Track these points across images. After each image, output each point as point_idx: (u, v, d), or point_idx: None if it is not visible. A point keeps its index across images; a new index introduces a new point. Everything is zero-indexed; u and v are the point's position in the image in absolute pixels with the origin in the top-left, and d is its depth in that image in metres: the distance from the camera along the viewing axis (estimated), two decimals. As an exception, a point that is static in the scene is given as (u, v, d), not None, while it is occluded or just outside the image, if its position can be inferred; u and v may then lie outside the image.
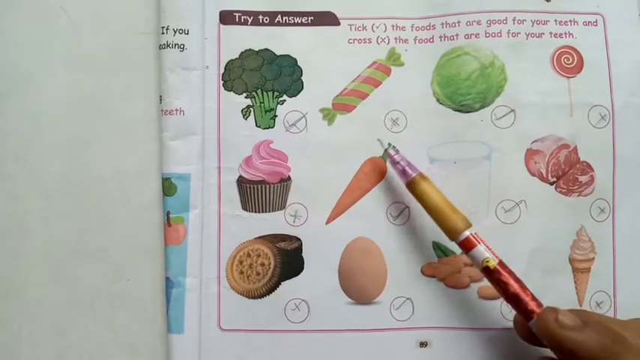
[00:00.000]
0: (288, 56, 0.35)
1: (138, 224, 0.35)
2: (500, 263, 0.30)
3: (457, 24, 0.35)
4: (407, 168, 0.32)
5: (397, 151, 0.33)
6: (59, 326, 0.35)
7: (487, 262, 0.30)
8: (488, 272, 0.30)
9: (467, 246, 0.31)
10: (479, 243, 0.30)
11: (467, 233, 0.31)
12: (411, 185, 0.32)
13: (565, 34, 0.36)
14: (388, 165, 0.34)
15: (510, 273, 0.30)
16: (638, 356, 0.26)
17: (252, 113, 0.35)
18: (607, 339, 0.27)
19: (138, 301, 0.35)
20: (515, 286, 0.30)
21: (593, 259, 0.35)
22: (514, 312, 0.30)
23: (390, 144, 0.34)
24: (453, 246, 0.34)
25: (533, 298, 0.30)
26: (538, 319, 0.29)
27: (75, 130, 0.36)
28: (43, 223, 0.35)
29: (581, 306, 0.34)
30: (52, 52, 0.36)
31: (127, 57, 0.36)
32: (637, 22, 0.36)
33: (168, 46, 0.34)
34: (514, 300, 0.30)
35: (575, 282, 0.35)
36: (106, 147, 0.35)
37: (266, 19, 0.36)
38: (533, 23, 0.35)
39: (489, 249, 0.30)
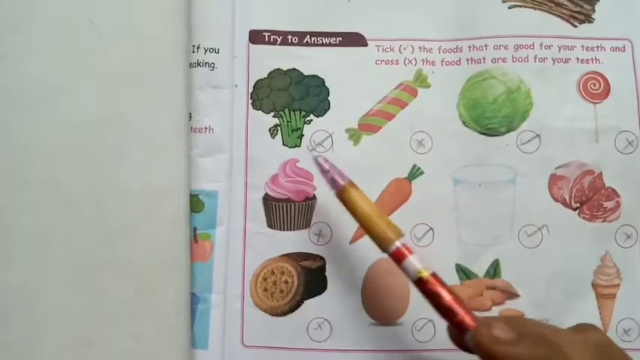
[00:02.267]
0: (315, 76, 0.36)
1: (163, 239, 0.35)
2: (434, 274, 0.28)
3: (484, 47, 0.36)
4: (336, 177, 0.30)
5: (326, 160, 0.31)
6: (83, 337, 0.35)
7: (420, 273, 0.28)
8: (421, 283, 0.28)
9: (397, 257, 0.29)
10: (410, 253, 0.28)
11: (397, 244, 0.29)
12: (341, 194, 0.30)
13: (592, 59, 0.36)
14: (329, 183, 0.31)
15: (443, 285, 0.28)
16: None
17: (279, 132, 0.35)
18: (541, 350, 0.26)
19: (162, 315, 0.35)
20: (448, 298, 0.28)
21: (619, 285, 0.34)
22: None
23: (319, 154, 0.33)
24: (476, 269, 0.35)
25: (468, 312, 0.28)
26: (473, 335, 0.27)
27: (102, 143, 0.36)
28: (68, 235, 0.36)
29: (606, 332, 0.34)
30: (81, 65, 0.37)
31: (156, 72, 0.36)
32: (665, 48, 0.36)
33: (198, 64, 0.35)
34: (447, 312, 0.28)
35: (599, 307, 0.35)
36: (132, 161, 0.36)
37: (295, 39, 0.36)
38: (560, 49, 0.36)
39: (420, 260, 0.29)
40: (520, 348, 0.26)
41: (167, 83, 0.36)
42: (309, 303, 0.34)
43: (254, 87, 0.36)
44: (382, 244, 0.29)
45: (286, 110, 0.35)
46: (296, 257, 0.35)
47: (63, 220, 0.36)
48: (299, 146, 0.35)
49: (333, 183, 0.30)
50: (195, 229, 0.34)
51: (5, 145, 0.36)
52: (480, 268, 0.35)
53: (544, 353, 0.26)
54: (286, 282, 0.35)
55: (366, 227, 0.30)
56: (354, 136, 0.35)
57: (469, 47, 0.36)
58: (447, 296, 0.28)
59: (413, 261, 0.28)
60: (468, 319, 0.28)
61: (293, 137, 0.35)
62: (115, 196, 0.36)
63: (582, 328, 0.29)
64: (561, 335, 0.27)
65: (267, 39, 0.36)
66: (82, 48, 0.37)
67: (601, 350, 0.27)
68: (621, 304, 0.34)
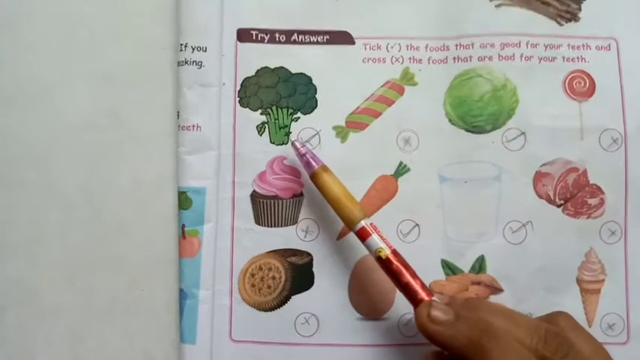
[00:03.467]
0: (303, 74, 0.36)
1: (153, 235, 0.36)
2: (393, 253, 0.31)
3: (471, 46, 0.36)
4: (311, 160, 0.33)
5: (303, 145, 0.33)
6: (75, 333, 0.35)
7: (380, 251, 0.31)
8: (382, 262, 0.31)
9: (362, 235, 0.31)
10: (373, 233, 0.31)
11: (362, 223, 0.31)
12: (314, 176, 0.33)
13: (577, 58, 0.36)
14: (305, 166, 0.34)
15: (403, 263, 0.31)
16: (506, 345, 0.26)
17: (266, 129, 0.36)
18: (475, 332, 0.27)
19: (152, 311, 0.35)
20: (406, 276, 0.30)
21: (604, 280, 0.35)
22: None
23: (296, 139, 0.35)
24: (462, 264, 0.35)
25: (424, 288, 0.30)
26: (415, 314, 0.29)
27: (93, 141, 0.36)
28: (61, 232, 0.36)
29: (590, 327, 0.35)
30: (73, 64, 0.37)
31: (146, 71, 0.37)
32: (651, 46, 0.36)
33: (186, 63, 0.35)
34: (406, 289, 0.30)
35: (583, 302, 0.35)
36: (123, 159, 0.36)
37: (282, 38, 0.36)
38: (546, 47, 0.36)
39: (384, 239, 0.31)
40: (453, 329, 0.27)
41: (155, 82, 0.36)
42: (296, 298, 0.35)
43: (242, 85, 0.36)
44: (349, 223, 0.32)
45: (274, 108, 0.36)
46: (283, 253, 0.35)
47: (55, 218, 0.36)
48: (286, 143, 0.36)
49: (307, 166, 0.33)
50: (183, 226, 0.35)
51: (-3, 143, 0.37)
52: (465, 264, 0.35)
53: (476, 336, 0.27)
54: (274, 278, 0.35)
55: (336, 207, 0.32)
56: (342, 133, 0.36)
57: (456, 46, 0.36)
58: (405, 274, 0.30)
59: (375, 239, 0.31)
60: (423, 295, 0.30)
61: (280, 134, 0.36)
62: (106, 194, 0.36)
63: (552, 315, 0.30)
64: (508, 321, 0.28)
65: (254, 37, 0.36)
66: (73, 47, 0.37)
67: (551, 337, 0.27)
68: (606, 300, 0.35)
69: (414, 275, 0.30)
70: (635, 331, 0.35)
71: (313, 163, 0.33)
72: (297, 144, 0.33)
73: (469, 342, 0.27)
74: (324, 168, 0.33)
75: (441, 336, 0.28)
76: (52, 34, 0.37)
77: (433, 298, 0.30)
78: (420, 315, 0.29)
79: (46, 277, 0.36)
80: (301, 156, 0.33)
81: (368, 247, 0.31)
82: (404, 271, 0.30)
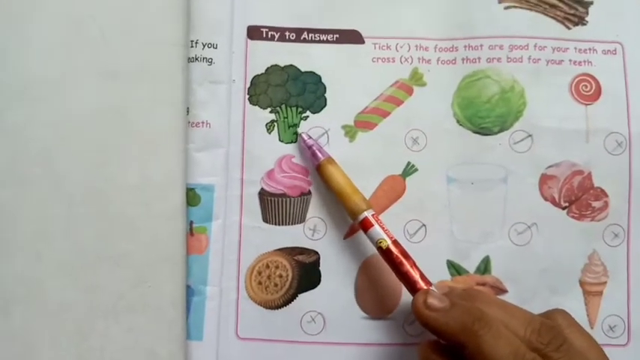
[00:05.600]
0: (312, 73, 0.36)
1: (160, 232, 0.36)
2: (394, 243, 0.32)
3: (480, 47, 0.36)
4: (317, 152, 0.34)
5: (310, 137, 0.35)
6: (81, 329, 0.35)
7: (380, 242, 0.32)
8: (382, 252, 0.32)
9: (365, 226, 0.32)
10: (375, 224, 0.32)
11: (365, 214, 0.32)
12: (320, 168, 0.34)
13: (584, 61, 0.36)
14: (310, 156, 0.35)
15: (403, 253, 0.32)
16: (498, 332, 0.27)
17: (275, 128, 0.36)
18: (469, 318, 0.27)
19: (158, 307, 0.35)
20: (406, 265, 0.31)
21: (606, 282, 0.35)
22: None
23: (304, 131, 0.35)
24: (467, 265, 0.36)
25: (423, 278, 0.31)
26: (412, 301, 0.30)
27: (101, 138, 0.36)
28: (67, 229, 0.36)
29: (592, 328, 0.35)
30: (81, 61, 0.37)
31: (155, 68, 0.36)
32: (656, 51, 0.36)
33: (196, 59, 0.35)
34: (405, 278, 0.31)
35: (585, 304, 0.35)
36: (131, 155, 0.36)
37: (292, 36, 0.36)
38: (553, 50, 0.36)
39: (385, 230, 0.32)
40: (447, 316, 0.28)
41: (165, 78, 0.36)
42: (302, 297, 0.35)
43: (251, 82, 0.36)
44: (352, 214, 0.33)
45: (283, 106, 0.36)
46: (290, 251, 0.35)
47: (62, 214, 0.36)
48: (295, 142, 0.36)
49: (314, 157, 0.34)
50: (191, 223, 0.35)
51: (4, 140, 0.36)
52: (470, 265, 0.35)
53: (469, 322, 0.27)
54: (280, 276, 0.35)
55: (340, 198, 0.33)
56: (350, 132, 0.36)
57: (465, 47, 0.36)
58: (405, 264, 0.31)
59: (377, 229, 0.32)
60: (422, 284, 0.31)
61: (289, 133, 0.36)
62: (113, 191, 0.36)
63: (550, 312, 0.30)
64: (503, 311, 0.28)
65: (264, 35, 0.36)
66: (82, 43, 0.37)
67: (545, 330, 0.28)
68: (607, 302, 0.35)
69: (413, 265, 0.31)
70: (636, 333, 0.35)
71: (319, 154, 0.34)
72: (304, 136, 0.35)
73: (463, 328, 0.27)
74: (330, 160, 0.34)
75: (436, 322, 0.28)
76: (61, 31, 0.37)
77: (431, 287, 0.31)
78: (416, 302, 0.29)
79: (51, 274, 0.35)
80: (308, 148, 0.34)
81: (370, 237, 0.32)
82: (404, 260, 0.31)
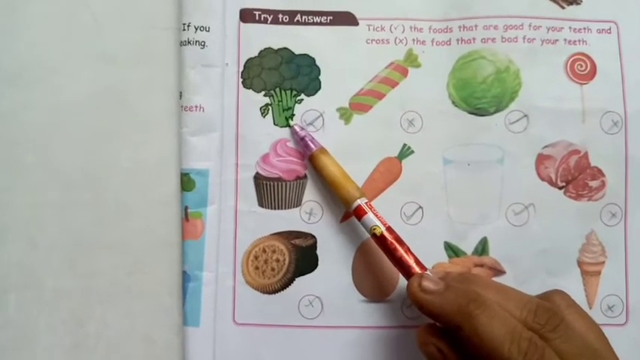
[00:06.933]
0: (306, 55, 0.36)
1: (155, 217, 0.35)
2: (388, 229, 0.32)
3: (474, 27, 0.36)
4: (310, 143, 0.34)
5: (302, 128, 0.35)
6: (76, 316, 0.35)
7: (374, 229, 0.32)
8: (377, 238, 0.32)
9: (358, 214, 0.32)
10: (368, 211, 0.32)
11: (358, 202, 0.33)
12: (312, 158, 0.34)
13: (579, 41, 0.36)
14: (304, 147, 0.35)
15: (397, 239, 0.32)
16: (493, 312, 0.27)
17: (270, 111, 0.35)
18: (464, 300, 0.27)
19: (154, 293, 0.35)
20: (400, 251, 0.31)
21: (604, 262, 0.35)
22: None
23: (296, 123, 0.35)
24: (465, 247, 0.35)
25: (418, 263, 0.31)
26: (407, 285, 0.30)
27: (95, 123, 0.36)
28: (61, 215, 0.35)
29: (591, 309, 0.35)
30: (74, 46, 0.36)
31: (148, 52, 0.36)
32: (651, 30, 0.36)
33: (189, 43, 0.35)
34: (400, 264, 0.31)
35: (584, 285, 0.35)
36: (125, 140, 0.36)
37: (285, 18, 0.36)
38: (548, 30, 0.36)
39: (379, 217, 0.32)
40: (442, 298, 0.28)
41: (157, 62, 0.36)
42: (300, 280, 0.35)
43: (245, 66, 0.36)
44: (346, 202, 0.33)
45: (277, 89, 0.35)
46: (287, 235, 0.35)
47: (56, 200, 0.36)
48: (290, 126, 0.35)
49: (306, 148, 0.34)
50: (186, 208, 0.34)
51: (-2, 125, 0.36)
52: (468, 246, 0.35)
53: (464, 303, 0.27)
54: (277, 260, 0.35)
55: (334, 187, 0.34)
56: (345, 115, 0.36)
57: (459, 27, 0.36)
58: (399, 249, 0.31)
59: (370, 217, 0.32)
60: (416, 269, 0.31)
61: (284, 116, 0.35)
62: (107, 176, 0.36)
63: (548, 293, 0.30)
64: (499, 294, 0.28)
65: (257, 18, 0.36)
66: (75, 28, 0.36)
67: (542, 311, 0.27)
68: (606, 281, 0.35)
69: (407, 251, 0.32)
70: (634, 313, 0.35)
71: (312, 145, 0.34)
72: (296, 127, 0.35)
73: (458, 310, 0.27)
74: (322, 150, 0.34)
75: (431, 304, 0.28)
76: (53, 15, 0.36)
77: (426, 272, 0.31)
78: (411, 285, 0.29)
79: (46, 261, 0.35)
80: (300, 139, 0.34)
81: (364, 224, 0.32)
82: (398, 246, 0.31)
